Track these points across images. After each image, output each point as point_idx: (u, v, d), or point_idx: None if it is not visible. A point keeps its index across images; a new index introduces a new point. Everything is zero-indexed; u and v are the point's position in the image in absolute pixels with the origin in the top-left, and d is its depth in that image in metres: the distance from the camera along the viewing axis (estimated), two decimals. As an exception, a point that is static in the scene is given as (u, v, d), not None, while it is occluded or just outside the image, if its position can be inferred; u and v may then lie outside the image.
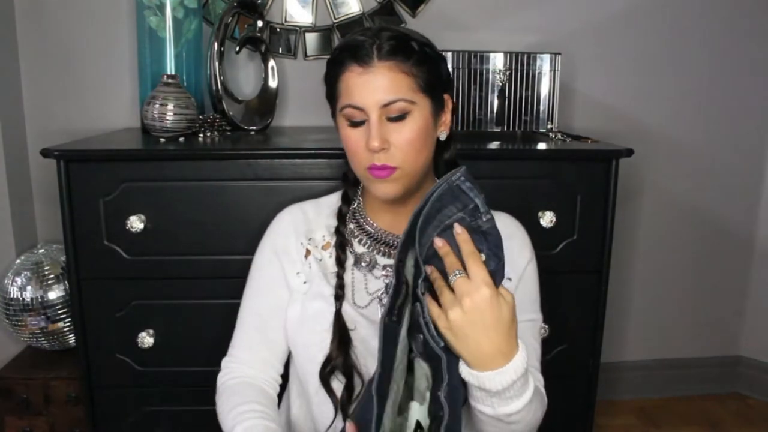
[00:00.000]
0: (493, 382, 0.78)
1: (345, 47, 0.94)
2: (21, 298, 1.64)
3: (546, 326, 1.46)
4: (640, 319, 2.19)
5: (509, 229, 1.05)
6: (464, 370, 0.79)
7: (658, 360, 2.22)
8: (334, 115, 0.99)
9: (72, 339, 1.68)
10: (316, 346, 0.97)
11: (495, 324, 0.76)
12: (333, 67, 0.96)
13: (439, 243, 0.79)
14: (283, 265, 1.04)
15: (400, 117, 0.91)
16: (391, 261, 1.00)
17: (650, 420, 2.11)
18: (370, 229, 1.02)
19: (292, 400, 1.08)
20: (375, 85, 0.90)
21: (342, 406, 0.96)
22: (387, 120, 0.92)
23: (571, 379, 1.55)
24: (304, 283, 1.02)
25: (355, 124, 0.94)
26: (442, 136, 1.00)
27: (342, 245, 1.01)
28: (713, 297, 2.21)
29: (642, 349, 2.20)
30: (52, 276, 1.66)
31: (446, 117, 0.99)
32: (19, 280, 1.65)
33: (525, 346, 0.81)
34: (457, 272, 0.77)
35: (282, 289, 1.04)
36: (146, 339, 1.42)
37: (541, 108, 1.63)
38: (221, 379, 1.08)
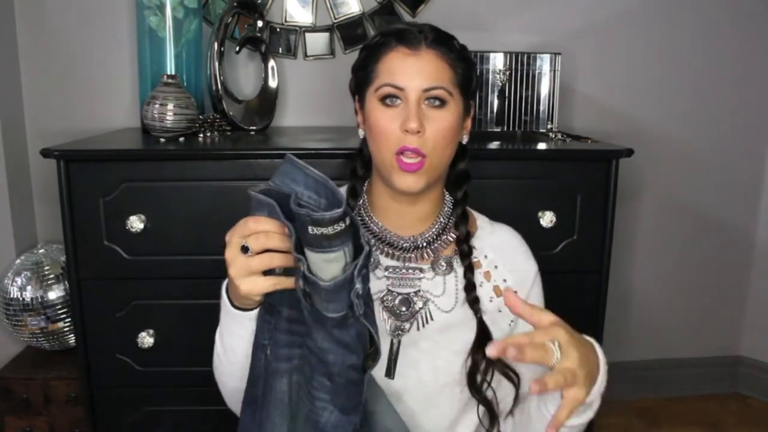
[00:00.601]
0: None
1: (390, 32, 0.95)
2: (21, 298, 1.64)
3: (546, 326, 1.46)
4: (640, 319, 2.18)
5: (512, 242, 1.05)
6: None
7: (658, 360, 2.22)
8: (361, 101, 0.98)
9: (72, 339, 1.68)
10: None
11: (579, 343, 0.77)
12: (374, 49, 0.95)
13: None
14: None
15: (438, 105, 0.92)
16: (394, 262, 1.00)
17: (650, 420, 2.11)
18: (374, 228, 1.01)
19: None
20: (420, 68, 0.91)
21: None
22: (424, 106, 0.92)
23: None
24: None
25: (389, 105, 0.93)
26: (464, 140, 1.01)
27: None
28: (713, 297, 2.21)
29: (642, 349, 2.20)
30: (52, 276, 1.66)
31: (468, 122, 1.01)
32: (19, 280, 1.65)
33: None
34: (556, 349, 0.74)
35: None
36: (146, 339, 1.42)
37: (541, 108, 1.63)
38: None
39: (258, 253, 0.76)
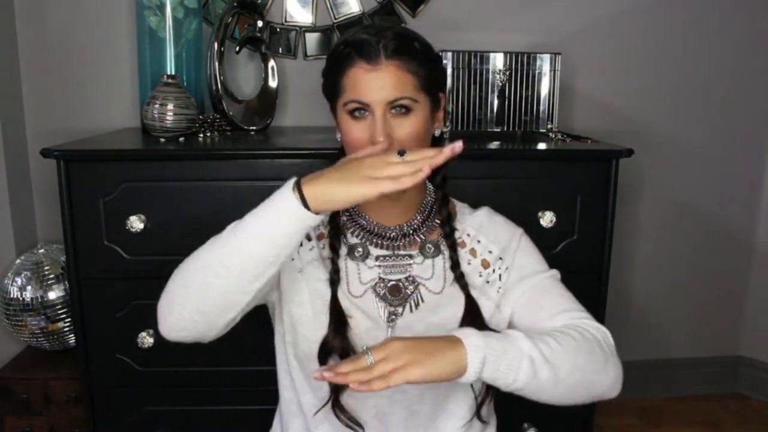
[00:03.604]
0: (474, 370, 0.79)
1: (351, 43, 0.95)
2: (21, 298, 1.64)
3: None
4: (640, 319, 2.18)
5: (490, 217, 1.09)
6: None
7: (658, 360, 2.22)
8: (333, 109, 1.01)
9: (72, 339, 1.68)
10: (310, 325, 0.98)
11: (420, 344, 0.80)
12: (337, 62, 0.97)
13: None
14: None
15: (404, 114, 0.95)
16: (384, 252, 1.02)
17: (650, 420, 2.11)
18: (362, 221, 1.04)
19: (282, 393, 1.09)
20: (382, 82, 0.93)
21: (335, 389, 0.97)
22: (390, 115, 0.94)
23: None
24: (292, 259, 1.02)
25: (357, 117, 0.96)
26: (437, 132, 1.04)
27: (336, 233, 1.03)
28: (713, 297, 2.21)
29: (642, 349, 2.20)
30: (52, 276, 1.66)
31: (440, 114, 1.04)
32: (19, 280, 1.65)
33: (467, 330, 0.83)
34: (366, 351, 0.78)
35: None
36: (146, 339, 1.42)
37: (541, 108, 1.63)
38: None
39: None
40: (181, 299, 0.87)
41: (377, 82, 0.93)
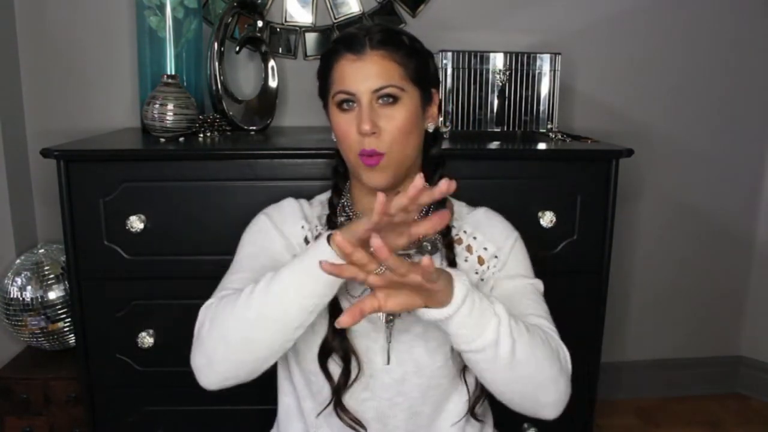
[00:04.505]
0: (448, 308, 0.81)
1: (339, 40, 0.98)
2: (21, 298, 1.64)
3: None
4: (640, 319, 2.19)
5: (488, 216, 1.09)
6: (429, 314, 0.83)
7: (658, 360, 2.22)
8: (326, 107, 1.02)
9: (72, 339, 1.68)
10: (308, 327, 0.98)
11: None
12: (327, 58, 0.99)
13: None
14: (277, 238, 1.04)
15: (390, 103, 0.96)
16: None
17: (650, 420, 2.11)
18: None
19: (281, 399, 1.09)
20: (367, 72, 0.95)
21: (337, 390, 0.97)
22: (377, 106, 0.95)
23: (572, 379, 1.55)
24: None
25: (345, 110, 0.97)
26: (430, 128, 1.04)
27: None
28: (713, 297, 2.21)
29: (642, 349, 2.20)
30: (52, 276, 1.66)
31: (433, 110, 1.04)
32: (19, 280, 1.65)
33: (462, 273, 0.84)
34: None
35: (280, 256, 1.02)
36: (146, 339, 1.42)
37: (541, 108, 1.63)
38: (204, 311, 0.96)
39: None
40: (222, 356, 0.88)
41: (362, 72, 0.94)
